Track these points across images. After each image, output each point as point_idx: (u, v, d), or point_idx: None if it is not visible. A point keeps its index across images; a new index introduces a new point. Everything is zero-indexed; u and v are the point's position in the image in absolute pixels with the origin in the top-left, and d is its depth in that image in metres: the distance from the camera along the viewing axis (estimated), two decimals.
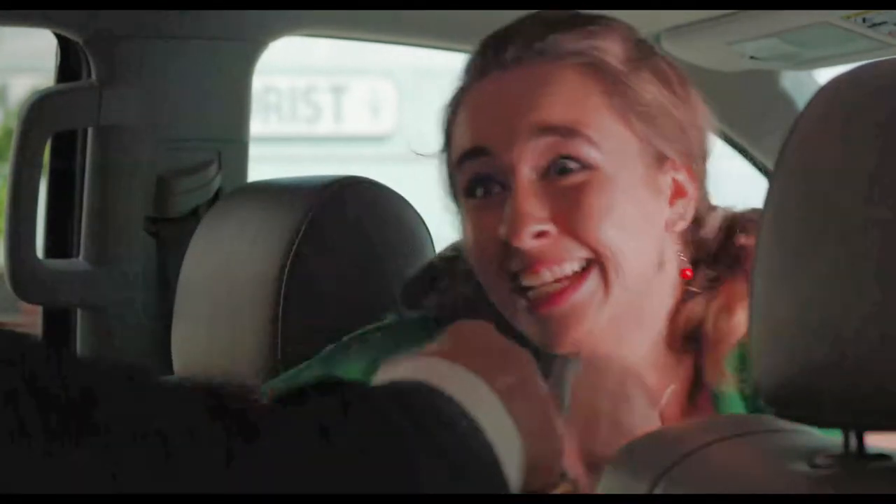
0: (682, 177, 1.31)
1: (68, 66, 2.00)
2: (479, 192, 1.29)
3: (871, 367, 0.78)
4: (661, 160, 1.29)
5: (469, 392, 0.81)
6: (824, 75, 2.19)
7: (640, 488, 0.87)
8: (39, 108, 1.90)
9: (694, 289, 1.31)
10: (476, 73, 1.32)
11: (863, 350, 0.78)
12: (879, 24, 1.78)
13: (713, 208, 1.35)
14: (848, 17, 1.77)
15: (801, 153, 0.84)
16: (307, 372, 1.39)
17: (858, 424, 0.82)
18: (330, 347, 1.40)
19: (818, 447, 0.85)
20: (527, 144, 1.26)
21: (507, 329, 1.27)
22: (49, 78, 2.04)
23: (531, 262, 1.25)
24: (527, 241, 1.24)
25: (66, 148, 2.00)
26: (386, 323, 1.40)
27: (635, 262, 1.26)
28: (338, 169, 1.68)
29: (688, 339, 1.30)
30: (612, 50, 1.29)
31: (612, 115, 1.27)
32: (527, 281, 1.26)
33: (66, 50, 2.00)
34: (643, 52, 1.32)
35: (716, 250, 1.32)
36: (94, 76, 1.93)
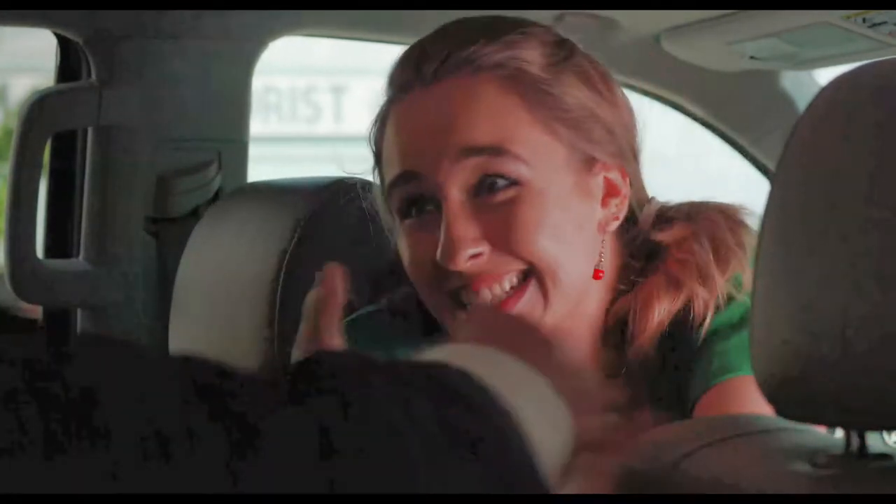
0: (613, 175, 1.31)
1: (68, 66, 2.00)
2: (413, 211, 1.30)
3: (872, 366, 0.78)
4: (590, 163, 1.29)
5: (503, 374, 0.79)
6: (824, 75, 2.19)
7: (643, 487, 0.87)
8: (39, 108, 1.90)
9: (623, 286, 1.31)
10: (398, 89, 1.31)
11: (864, 349, 0.78)
12: (879, 24, 1.78)
13: (648, 201, 1.35)
14: (848, 17, 1.77)
15: (803, 154, 0.84)
16: None
17: (859, 424, 0.82)
18: None
19: (819, 447, 0.85)
20: (454, 167, 1.26)
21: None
22: (49, 78, 2.04)
23: (470, 282, 1.26)
24: (462, 265, 1.25)
25: (66, 148, 2.00)
26: (350, 319, 1.39)
27: (571, 268, 1.27)
28: (338, 169, 1.68)
29: (620, 334, 1.31)
30: (531, 58, 1.28)
31: (536, 127, 1.27)
32: (467, 299, 1.27)
33: (66, 50, 2.00)
34: (564, 55, 1.31)
35: (643, 245, 1.33)
36: (94, 76, 1.93)
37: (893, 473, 0.82)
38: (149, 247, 1.95)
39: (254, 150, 2.01)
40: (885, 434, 0.88)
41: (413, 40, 1.36)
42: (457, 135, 1.26)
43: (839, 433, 0.84)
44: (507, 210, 1.25)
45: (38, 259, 1.93)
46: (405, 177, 1.29)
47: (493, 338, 0.84)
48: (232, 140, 1.98)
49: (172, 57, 1.93)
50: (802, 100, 2.21)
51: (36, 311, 2.04)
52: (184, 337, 1.69)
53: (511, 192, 1.25)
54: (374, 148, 1.34)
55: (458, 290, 1.27)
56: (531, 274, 1.26)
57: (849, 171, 0.81)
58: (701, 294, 1.27)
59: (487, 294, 1.25)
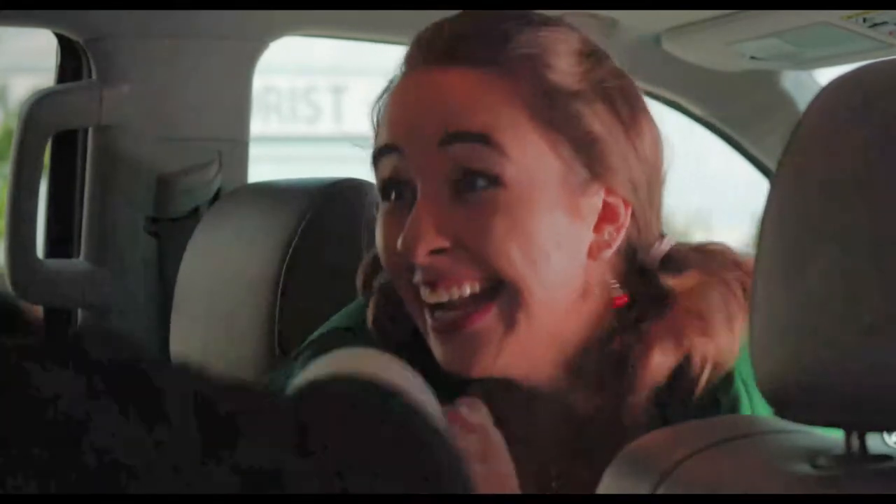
0: (614, 201, 1.22)
1: (68, 66, 2.00)
2: (392, 194, 1.23)
3: (872, 367, 0.78)
4: (587, 184, 1.21)
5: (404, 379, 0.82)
6: (824, 75, 2.19)
7: (642, 489, 0.87)
8: (39, 108, 1.90)
9: (619, 324, 1.23)
10: (406, 65, 1.26)
11: (864, 350, 0.78)
12: (879, 24, 1.78)
13: (660, 238, 1.26)
14: (848, 17, 1.77)
15: (803, 154, 0.84)
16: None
17: (860, 425, 0.82)
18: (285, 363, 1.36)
19: (820, 448, 0.85)
20: (436, 150, 1.19)
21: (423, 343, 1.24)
22: (49, 78, 2.04)
23: (430, 278, 1.20)
24: (422, 258, 1.19)
25: (66, 148, 2.00)
26: (318, 336, 1.36)
27: (542, 288, 1.19)
28: (338, 169, 1.68)
29: (611, 376, 1.24)
30: (552, 62, 1.21)
31: (534, 134, 1.19)
32: (427, 297, 1.21)
33: (66, 50, 2.00)
34: (589, 66, 1.23)
35: (648, 286, 1.24)
36: (94, 76, 1.93)
37: (894, 474, 0.82)
38: (149, 247, 1.95)
39: (254, 150, 2.01)
40: (885, 435, 0.88)
41: None
42: (445, 121, 1.19)
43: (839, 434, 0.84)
44: (480, 211, 1.18)
45: (38, 259, 1.93)
46: (387, 149, 1.22)
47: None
48: (232, 140, 1.98)
49: (172, 57, 1.93)
50: (803, 100, 2.21)
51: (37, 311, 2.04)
52: (184, 337, 1.69)
53: (489, 194, 1.18)
54: (374, 123, 1.27)
55: (420, 285, 1.20)
56: (498, 290, 1.19)
57: (849, 171, 0.81)
58: (700, 349, 1.20)
59: (444, 295, 1.19)
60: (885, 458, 0.83)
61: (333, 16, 2.00)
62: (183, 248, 1.74)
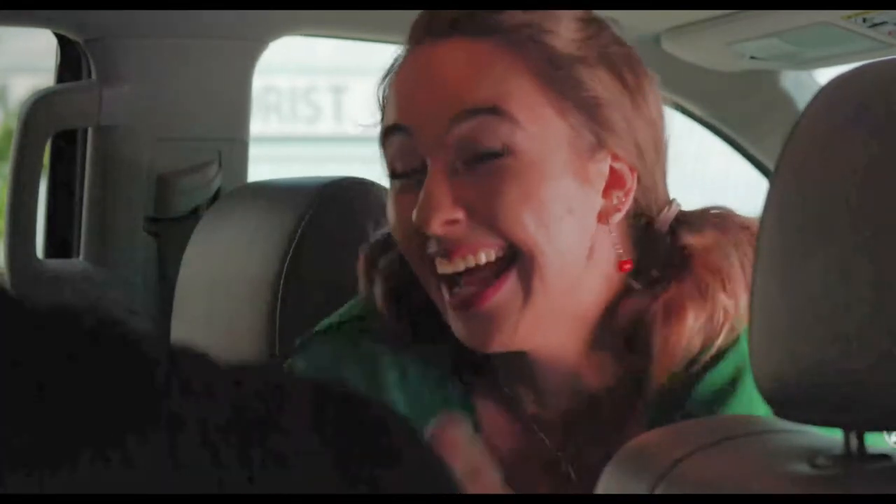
0: (620, 166, 1.23)
1: (68, 66, 2.00)
2: (401, 169, 1.24)
3: (871, 367, 0.78)
4: (594, 149, 1.22)
5: None
6: (824, 75, 2.19)
7: (640, 488, 0.87)
8: (39, 108, 1.90)
9: (636, 285, 1.24)
10: (411, 41, 1.26)
11: (863, 350, 0.78)
12: (879, 24, 1.78)
13: (669, 203, 1.28)
14: (848, 17, 1.77)
15: (802, 154, 0.84)
16: None
17: (858, 424, 0.82)
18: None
19: (819, 447, 0.85)
20: (445, 129, 1.20)
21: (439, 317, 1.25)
22: (49, 78, 2.04)
23: (445, 249, 1.20)
24: (437, 229, 1.19)
25: (66, 148, 2.00)
26: (326, 326, 1.36)
27: (557, 253, 1.20)
28: (338, 169, 1.69)
29: (630, 340, 1.24)
30: (554, 28, 1.22)
31: (541, 99, 1.20)
32: (441, 268, 1.21)
33: (66, 50, 2.00)
34: (590, 33, 1.24)
35: (664, 248, 1.25)
36: (94, 76, 1.93)
37: (893, 474, 0.82)
38: (149, 247, 1.95)
39: (254, 150, 2.01)
40: (884, 435, 0.88)
41: None
42: (454, 98, 1.20)
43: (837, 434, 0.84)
44: (492, 180, 1.19)
45: (38, 259, 1.93)
46: (396, 129, 1.24)
47: None
48: (232, 140, 1.99)
49: (172, 57, 1.93)
50: (802, 100, 2.21)
51: None
52: (185, 337, 1.69)
53: (499, 163, 1.19)
54: (381, 103, 1.28)
55: (434, 257, 1.21)
56: (513, 260, 1.20)
57: (848, 171, 0.81)
58: (722, 307, 1.20)
59: (461, 264, 1.20)
60: (883, 457, 0.83)
61: (333, 16, 2.00)
62: (183, 248, 1.74)
